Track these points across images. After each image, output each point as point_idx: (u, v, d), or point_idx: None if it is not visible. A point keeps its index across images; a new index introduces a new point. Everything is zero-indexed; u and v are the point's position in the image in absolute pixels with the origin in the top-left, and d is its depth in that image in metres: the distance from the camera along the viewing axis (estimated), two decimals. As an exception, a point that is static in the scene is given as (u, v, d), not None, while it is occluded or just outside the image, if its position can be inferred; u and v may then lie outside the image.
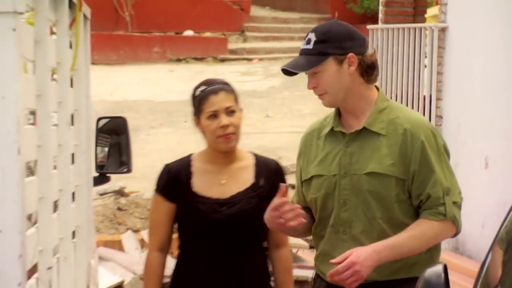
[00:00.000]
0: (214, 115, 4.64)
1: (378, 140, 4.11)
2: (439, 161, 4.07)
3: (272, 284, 5.05)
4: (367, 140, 4.13)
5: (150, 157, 13.82)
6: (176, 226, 4.93)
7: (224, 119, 4.61)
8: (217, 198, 4.79)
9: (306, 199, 4.30)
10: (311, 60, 4.08)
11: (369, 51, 4.31)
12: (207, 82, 4.81)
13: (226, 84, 4.85)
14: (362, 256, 3.89)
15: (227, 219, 4.73)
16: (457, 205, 4.07)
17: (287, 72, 4.14)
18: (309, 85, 4.15)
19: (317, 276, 4.31)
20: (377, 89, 4.29)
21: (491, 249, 3.73)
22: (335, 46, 4.08)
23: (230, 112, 4.67)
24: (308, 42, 4.12)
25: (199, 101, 4.72)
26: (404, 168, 4.04)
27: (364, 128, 4.13)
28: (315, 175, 4.22)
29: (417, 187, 4.05)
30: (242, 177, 4.87)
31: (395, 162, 4.05)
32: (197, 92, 4.76)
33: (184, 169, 4.85)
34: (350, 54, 4.06)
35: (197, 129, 4.87)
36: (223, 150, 4.78)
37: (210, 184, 4.83)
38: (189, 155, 4.94)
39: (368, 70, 4.14)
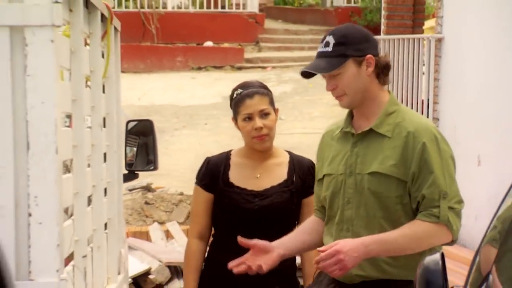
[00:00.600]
0: (249, 118, 4.50)
1: (383, 142, 3.80)
2: (440, 164, 3.72)
3: (298, 277, 4.90)
4: (373, 141, 3.84)
5: (174, 156, 13.82)
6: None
7: (258, 122, 4.46)
8: (251, 190, 4.63)
9: (320, 198, 4.06)
10: (332, 62, 3.79)
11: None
12: (244, 85, 4.66)
13: (262, 87, 4.68)
14: (348, 246, 3.63)
15: (258, 210, 4.57)
16: (455, 211, 3.72)
17: (307, 74, 3.89)
18: (328, 87, 3.87)
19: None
20: (389, 93, 4.03)
21: (481, 244, 3.63)
22: (354, 48, 3.80)
23: (264, 114, 4.51)
24: (327, 44, 3.83)
25: (236, 103, 4.58)
26: (405, 170, 3.72)
27: (371, 130, 3.84)
28: (326, 174, 3.98)
29: (416, 189, 3.73)
30: (276, 173, 4.70)
31: (396, 163, 3.73)
32: (235, 95, 4.62)
33: (222, 162, 4.70)
34: (368, 56, 3.81)
35: (236, 129, 4.75)
36: (258, 149, 4.64)
37: (245, 177, 4.68)
38: (230, 150, 4.81)
39: (384, 71, 3.89)
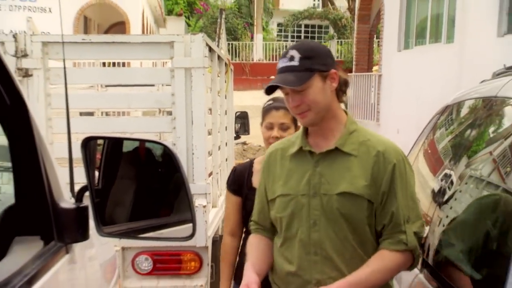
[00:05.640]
0: (270, 127, 2.58)
1: (349, 160, 1.89)
2: (404, 188, 1.89)
3: None
4: (337, 160, 1.90)
5: (257, 130, 13.90)
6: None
7: (276, 132, 2.56)
8: None
9: (271, 217, 1.97)
10: (299, 76, 1.85)
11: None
12: (275, 99, 2.67)
13: None
14: None
15: None
16: (418, 236, 1.87)
17: (271, 89, 1.88)
18: (292, 103, 1.87)
19: None
20: (346, 112, 2.01)
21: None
22: (320, 63, 1.89)
23: (284, 128, 2.57)
24: (292, 59, 1.87)
25: (264, 111, 2.68)
26: (375, 190, 1.86)
27: (335, 148, 1.90)
28: (280, 195, 1.93)
29: (382, 211, 1.86)
30: None
31: (368, 184, 1.86)
32: (265, 105, 2.71)
33: (246, 169, 2.67)
34: (333, 71, 1.90)
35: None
36: None
37: None
38: (253, 159, 2.74)
39: (343, 87, 1.96)
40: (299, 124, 2.36)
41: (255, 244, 2.00)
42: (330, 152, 1.88)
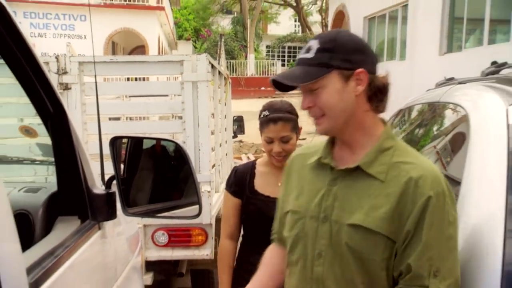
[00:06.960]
0: (270, 141, 1.94)
1: (373, 185, 1.02)
2: (438, 231, 0.95)
3: None
4: (358, 182, 1.04)
5: (250, 131, 13.86)
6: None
7: (277, 147, 1.92)
8: (274, 197, 1.77)
9: (282, 233, 1.23)
10: (310, 71, 1.01)
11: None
12: (272, 107, 1.99)
13: (288, 111, 1.95)
14: None
15: None
16: None
17: (279, 85, 1.04)
18: (303, 104, 1.07)
19: None
20: (384, 123, 1.10)
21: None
22: (341, 58, 1.01)
23: (284, 140, 1.92)
24: (308, 50, 1.05)
25: (261, 123, 2.00)
26: (397, 227, 0.98)
27: (358, 168, 1.05)
28: (291, 210, 1.17)
29: (401, 255, 0.99)
30: None
31: (388, 217, 0.98)
32: (262, 115, 2.02)
33: (248, 171, 2.07)
34: (360, 70, 1.01)
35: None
36: (274, 165, 2.00)
37: (268, 185, 2.01)
38: (254, 160, 2.13)
39: (378, 94, 1.05)
40: (300, 126, 1.90)
41: (268, 258, 1.32)
42: (352, 171, 1.10)
